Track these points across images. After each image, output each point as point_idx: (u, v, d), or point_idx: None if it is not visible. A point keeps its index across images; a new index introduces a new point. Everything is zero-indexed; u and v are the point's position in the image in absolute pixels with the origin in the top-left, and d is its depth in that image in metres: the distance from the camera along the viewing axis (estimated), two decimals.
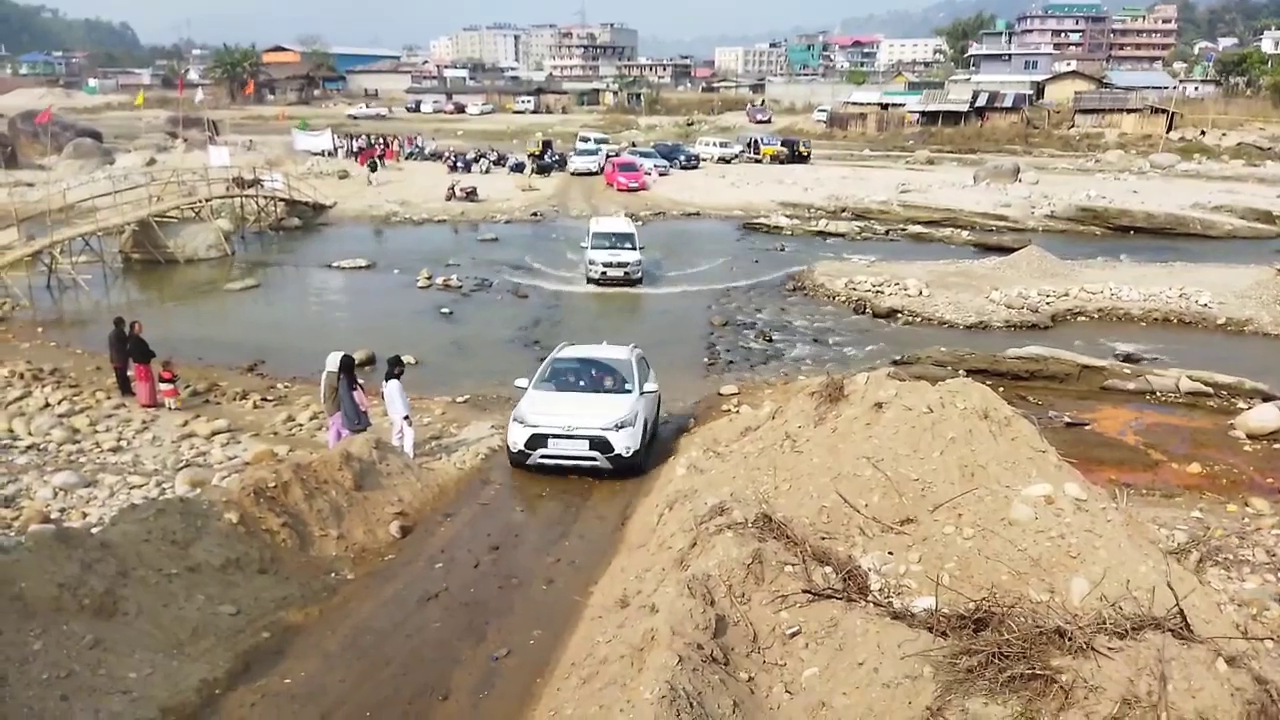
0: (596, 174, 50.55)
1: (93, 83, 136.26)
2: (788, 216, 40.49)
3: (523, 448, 12.07)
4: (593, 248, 26.86)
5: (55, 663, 6.40)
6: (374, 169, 48.11)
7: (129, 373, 16.76)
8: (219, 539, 8.55)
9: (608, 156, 53.85)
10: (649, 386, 13.32)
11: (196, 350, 19.70)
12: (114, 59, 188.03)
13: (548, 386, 13.26)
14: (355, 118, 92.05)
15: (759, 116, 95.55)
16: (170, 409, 16.24)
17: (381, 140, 60.06)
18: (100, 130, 61.45)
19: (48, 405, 16.20)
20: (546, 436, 12.01)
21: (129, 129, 69.01)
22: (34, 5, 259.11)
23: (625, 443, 12.04)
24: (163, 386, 16.42)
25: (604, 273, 26.01)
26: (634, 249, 26.83)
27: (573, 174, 50.99)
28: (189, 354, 19.04)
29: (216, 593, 8.04)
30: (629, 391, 12.98)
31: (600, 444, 11.98)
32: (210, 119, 59.23)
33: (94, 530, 8.47)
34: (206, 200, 34.48)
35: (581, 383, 13.54)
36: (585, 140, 63.56)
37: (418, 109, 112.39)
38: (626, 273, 26.16)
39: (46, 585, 6.95)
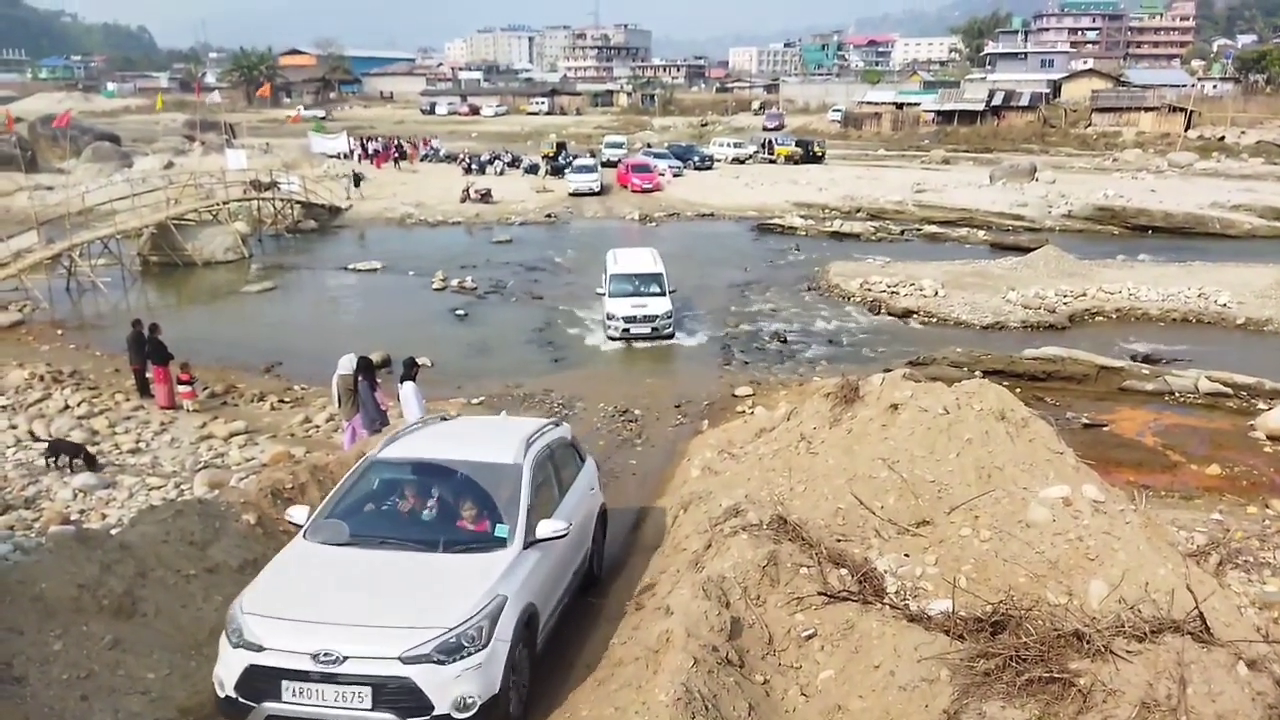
0: (599, 194, 45.74)
1: (111, 86, 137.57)
2: (802, 217, 40.37)
3: (231, 692, 5.78)
4: (611, 295, 21.80)
5: (75, 663, 6.46)
6: (358, 183, 43.87)
7: (147, 375, 16.91)
8: (237, 540, 8.59)
9: (607, 163, 52.57)
10: (550, 527, 6.94)
11: (214, 352, 19.84)
12: (132, 62, 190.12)
13: (334, 531, 6.89)
14: (304, 114, 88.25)
15: (768, 124, 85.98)
16: (188, 411, 16.37)
17: (396, 143, 60.39)
18: (118, 133, 62.00)
19: (67, 407, 16.37)
20: (281, 675, 5.69)
21: (147, 132, 69.59)
22: (53, 10, 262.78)
23: (459, 688, 5.68)
24: (181, 388, 16.54)
25: (626, 329, 21.28)
26: (663, 293, 21.84)
27: (571, 194, 45.18)
28: (207, 356, 19.18)
29: (235, 593, 8.06)
30: (499, 544, 6.72)
31: (396, 695, 5.64)
32: (227, 122, 59.68)
33: (113, 531, 8.54)
34: (224, 203, 34.73)
35: (413, 511, 7.23)
36: (615, 146, 60.80)
37: (432, 111, 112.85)
38: (655, 328, 21.28)
39: (66, 586, 7.02)
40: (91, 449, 14.05)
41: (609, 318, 21.57)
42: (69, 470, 13.29)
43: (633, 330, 21.32)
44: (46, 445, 13.88)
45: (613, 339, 21.52)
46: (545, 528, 6.89)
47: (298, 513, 7.11)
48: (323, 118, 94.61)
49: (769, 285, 27.44)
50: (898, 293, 24.82)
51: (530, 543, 6.77)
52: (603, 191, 46.20)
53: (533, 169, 52.04)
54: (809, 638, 6.18)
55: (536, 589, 6.66)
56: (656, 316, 21.30)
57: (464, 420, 9.48)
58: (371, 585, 6.24)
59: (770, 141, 63.72)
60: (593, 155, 55.58)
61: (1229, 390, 17.08)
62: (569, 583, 7.68)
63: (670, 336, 21.70)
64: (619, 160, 53.83)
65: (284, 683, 5.67)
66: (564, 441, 8.71)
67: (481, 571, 6.35)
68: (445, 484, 7.34)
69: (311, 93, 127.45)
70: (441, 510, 7.18)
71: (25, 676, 6.14)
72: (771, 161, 60.08)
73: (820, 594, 6.45)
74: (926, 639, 5.59)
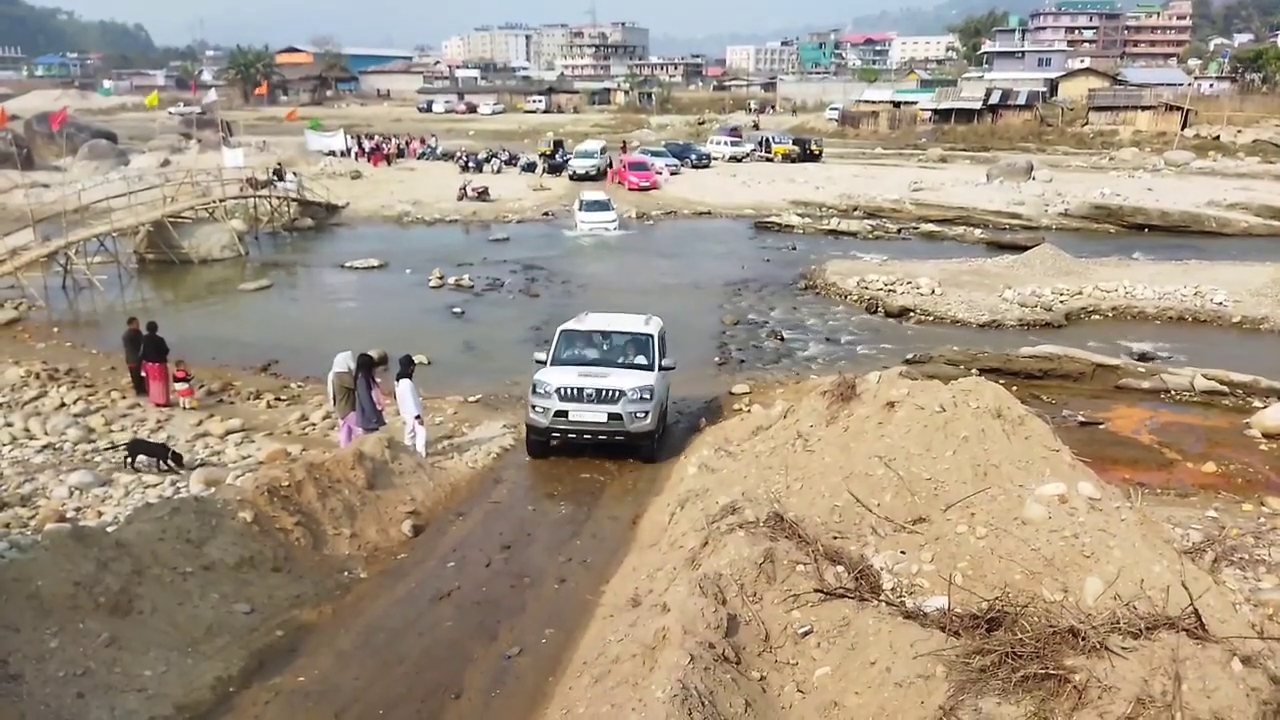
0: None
1: (107, 84, 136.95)
2: (800, 215, 40.39)
3: None
4: (552, 361, 13.61)
5: (72, 660, 6.46)
6: (280, 176, 39.90)
7: (143, 373, 16.88)
8: (233, 538, 8.60)
9: (574, 176, 47.28)
10: None
11: (210, 350, 19.80)
12: (128, 60, 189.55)
13: None
14: (175, 114, 78.82)
15: (718, 139, 65.09)
16: (185, 408, 16.35)
17: (379, 140, 60.41)
18: (115, 131, 61.76)
19: (63, 405, 16.33)
20: None
21: (143, 130, 69.36)
22: (49, 7, 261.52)
23: None
24: (178, 386, 16.53)
25: (563, 413, 12.65)
26: (650, 366, 13.50)
27: (586, 235, 35.84)
28: (203, 354, 19.14)
29: (231, 591, 8.09)
30: None
31: None
32: (224, 120, 59.52)
33: (109, 529, 8.54)
34: (220, 201, 34.68)
35: None
36: (586, 156, 50.02)
37: (429, 109, 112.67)
38: (615, 414, 12.64)
39: (63, 584, 7.01)
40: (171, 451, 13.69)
41: (534, 391, 12.90)
42: (156, 471, 13.15)
43: (574, 415, 12.63)
44: (125, 446, 13.62)
45: (534, 428, 12.86)
46: None
47: None
48: (202, 112, 77.55)
49: (766, 283, 27.44)
50: (894, 291, 24.83)
51: None
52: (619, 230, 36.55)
53: (530, 167, 51.95)
54: (805, 634, 6.18)
55: None
56: (622, 394, 12.61)
57: None
58: None
59: (768, 140, 63.70)
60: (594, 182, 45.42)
61: (1225, 388, 17.11)
62: None
63: (648, 441, 12.93)
64: (585, 171, 48.00)
65: None
66: None
67: None
68: None
69: (309, 91, 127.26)
70: None
71: (22, 674, 6.14)
72: (769, 160, 60.05)
73: (817, 591, 6.45)
74: (923, 635, 5.60)
